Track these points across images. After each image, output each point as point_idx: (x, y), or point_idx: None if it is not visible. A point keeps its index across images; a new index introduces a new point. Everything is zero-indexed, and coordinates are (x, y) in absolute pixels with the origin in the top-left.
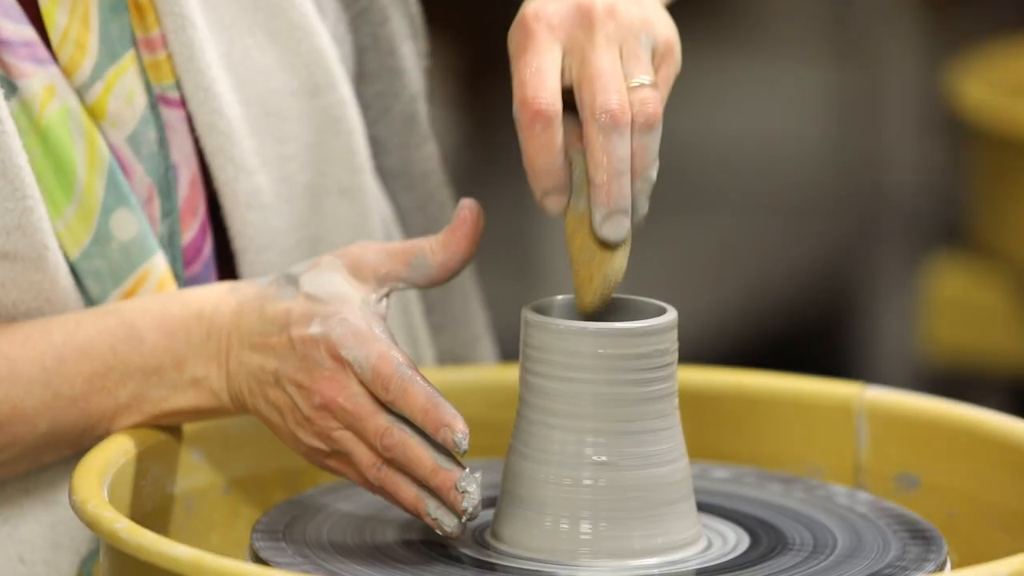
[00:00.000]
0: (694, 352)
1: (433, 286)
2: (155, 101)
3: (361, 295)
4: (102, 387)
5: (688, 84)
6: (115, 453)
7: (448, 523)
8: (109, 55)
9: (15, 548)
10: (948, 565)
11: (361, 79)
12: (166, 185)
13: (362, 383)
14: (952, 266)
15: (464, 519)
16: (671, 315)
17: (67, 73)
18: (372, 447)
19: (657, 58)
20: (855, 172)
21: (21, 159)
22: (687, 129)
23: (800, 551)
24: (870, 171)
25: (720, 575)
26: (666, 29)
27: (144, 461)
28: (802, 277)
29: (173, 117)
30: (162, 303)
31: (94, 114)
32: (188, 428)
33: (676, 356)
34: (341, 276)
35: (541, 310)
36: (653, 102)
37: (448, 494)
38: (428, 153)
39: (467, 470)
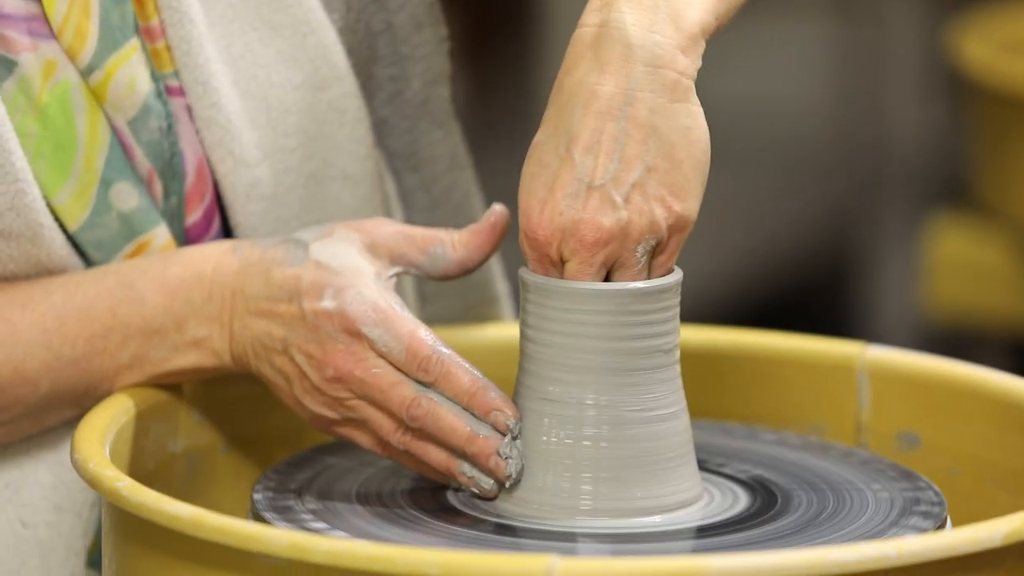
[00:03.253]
0: (695, 311)
1: (444, 280)
2: (162, 88)
3: (375, 269)
4: (103, 348)
5: None
6: (117, 412)
7: (486, 482)
8: (110, 43)
9: (16, 512)
10: (948, 523)
11: (375, 62)
12: (170, 170)
13: (383, 357)
14: (953, 225)
15: (508, 484)
16: (675, 275)
17: (70, 56)
18: (394, 416)
19: (660, 245)
20: (856, 131)
21: (12, 143)
22: None
23: (801, 509)
24: (871, 130)
25: (721, 533)
26: (679, 205)
27: (145, 420)
28: (803, 236)
29: (177, 105)
30: (163, 263)
31: (96, 97)
32: (189, 387)
33: (678, 316)
34: (355, 249)
35: None
36: None
37: (488, 460)
38: (439, 138)
39: (508, 436)
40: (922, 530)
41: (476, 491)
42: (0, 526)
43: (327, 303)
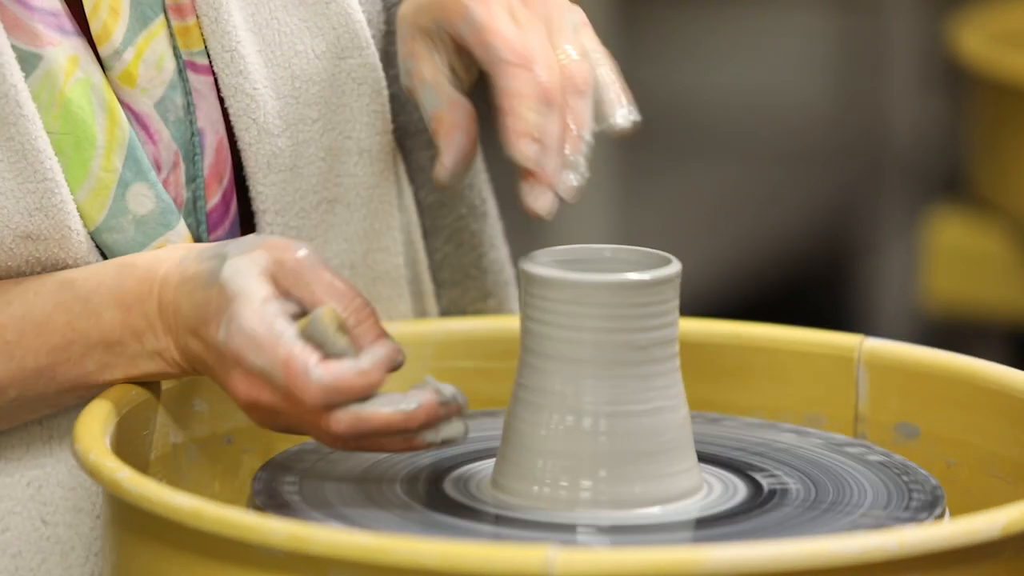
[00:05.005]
0: (693, 303)
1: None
2: (183, 66)
3: (266, 292)
4: (66, 359)
5: (688, 32)
6: (118, 403)
7: (450, 432)
8: (141, 20)
9: (38, 510)
10: (947, 514)
11: (389, 37)
12: (191, 151)
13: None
14: (952, 217)
15: (464, 413)
16: (674, 267)
17: (99, 41)
18: (325, 434)
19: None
20: (855, 123)
21: (41, 142)
22: (687, 78)
23: (800, 500)
24: (870, 121)
25: (720, 524)
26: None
27: (146, 411)
28: (802, 228)
29: (201, 83)
30: (117, 276)
31: (125, 80)
32: (190, 378)
33: (677, 308)
34: (258, 270)
35: (540, 261)
36: (582, 72)
37: (435, 420)
38: None
39: (429, 386)
40: (921, 521)
41: (448, 443)
42: (23, 523)
43: (221, 334)
